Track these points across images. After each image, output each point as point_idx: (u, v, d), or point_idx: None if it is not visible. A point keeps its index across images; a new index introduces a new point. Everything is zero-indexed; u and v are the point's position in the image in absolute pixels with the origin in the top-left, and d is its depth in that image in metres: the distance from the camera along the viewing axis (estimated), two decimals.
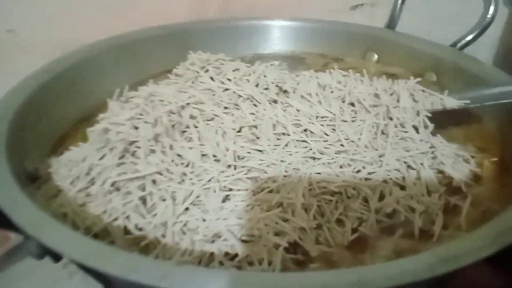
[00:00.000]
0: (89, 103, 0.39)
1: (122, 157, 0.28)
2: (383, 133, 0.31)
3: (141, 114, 0.29)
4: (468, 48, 0.44)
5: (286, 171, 0.27)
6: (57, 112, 0.36)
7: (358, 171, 0.28)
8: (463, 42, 0.44)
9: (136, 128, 0.28)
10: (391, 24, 0.50)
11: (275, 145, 0.29)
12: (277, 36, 0.52)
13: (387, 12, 0.51)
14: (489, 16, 0.42)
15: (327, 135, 0.30)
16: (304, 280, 0.17)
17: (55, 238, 0.19)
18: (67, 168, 0.29)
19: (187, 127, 0.30)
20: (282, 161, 0.27)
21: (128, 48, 0.45)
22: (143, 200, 0.26)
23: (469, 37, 0.43)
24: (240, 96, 0.32)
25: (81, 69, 0.40)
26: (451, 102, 0.34)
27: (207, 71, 0.34)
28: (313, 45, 0.52)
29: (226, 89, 0.33)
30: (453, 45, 0.44)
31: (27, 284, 0.37)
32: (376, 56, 0.50)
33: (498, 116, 0.36)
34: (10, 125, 0.29)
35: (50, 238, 0.19)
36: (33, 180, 0.29)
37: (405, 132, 0.31)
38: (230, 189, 0.26)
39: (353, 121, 0.31)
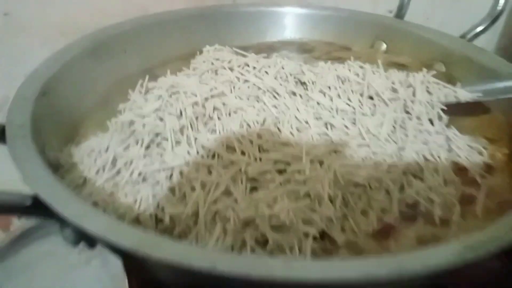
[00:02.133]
0: (99, 91, 0.41)
1: (147, 147, 0.29)
2: (401, 126, 0.33)
3: (165, 107, 0.31)
4: None
5: (311, 163, 0.29)
6: (69, 100, 0.37)
7: (380, 164, 0.30)
8: (472, 33, 0.46)
9: (161, 119, 0.30)
10: (400, 13, 0.52)
11: (298, 139, 0.31)
12: (285, 23, 0.54)
13: None
14: (499, 7, 0.44)
15: (347, 128, 0.32)
16: (346, 267, 0.19)
17: (105, 228, 0.20)
18: (91, 158, 0.30)
19: (210, 118, 0.32)
20: (306, 154, 0.29)
21: (136, 35, 0.45)
22: (172, 190, 0.28)
23: (479, 29, 0.45)
24: (259, 88, 0.34)
25: (90, 56, 0.41)
26: (465, 95, 0.36)
27: (229, 62, 0.36)
28: (320, 33, 0.54)
29: (246, 81, 0.34)
30: (462, 36, 0.46)
31: (44, 269, 0.39)
32: (384, 45, 0.52)
33: (507, 108, 0.38)
34: (31, 117, 0.30)
35: (101, 229, 0.20)
36: (55, 169, 0.31)
37: (421, 125, 0.33)
38: (257, 180, 0.28)
39: (372, 114, 0.33)
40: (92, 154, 0.31)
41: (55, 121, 0.34)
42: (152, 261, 0.22)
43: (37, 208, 0.23)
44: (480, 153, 0.34)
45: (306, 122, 0.32)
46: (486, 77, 0.40)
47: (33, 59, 0.50)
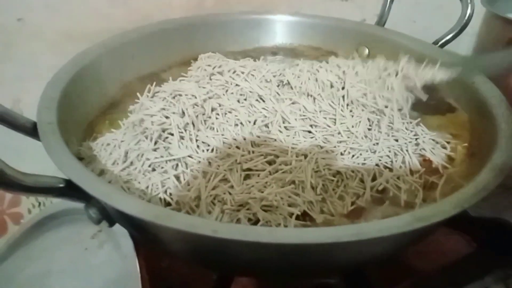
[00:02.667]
0: (111, 93, 0.46)
1: (155, 142, 0.35)
2: (376, 125, 0.38)
3: (169, 107, 0.36)
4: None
5: (296, 156, 0.34)
6: (86, 101, 0.42)
7: (356, 157, 0.36)
8: (443, 40, 0.51)
9: (167, 117, 0.35)
10: (381, 21, 0.57)
11: (286, 135, 0.36)
12: (277, 29, 0.59)
13: (377, 3, 0.58)
14: (466, 18, 0.50)
15: (329, 126, 0.37)
16: (318, 233, 0.24)
17: (129, 205, 0.26)
18: (107, 152, 0.35)
19: (209, 117, 0.37)
20: (292, 148, 0.34)
21: (142, 42, 0.51)
22: (178, 177, 0.33)
23: (449, 36, 0.51)
24: (249, 91, 0.39)
25: (103, 62, 0.46)
26: (444, 74, 0.41)
27: (219, 67, 0.41)
28: (309, 39, 0.59)
29: (237, 85, 0.39)
30: (435, 43, 0.52)
31: (61, 252, 0.44)
32: (367, 50, 0.57)
33: (469, 108, 0.44)
34: (56, 115, 0.35)
35: (125, 205, 0.25)
36: None
37: (393, 124, 0.39)
38: (250, 170, 0.34)
39: (351, 116, 0.38)
40: (108, 148, 0.36)
41: (74, 120, 0.39)
42: (165, 232, 0.27)
43: (69, 190, 0.28)
44: (444, 147, 0.39)
45: (293, 121, 0.37)
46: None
47: (42, 63, 0.55)
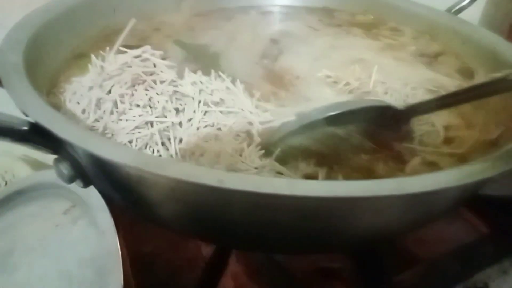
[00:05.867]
0: (85, 45, 0.40)
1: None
2: None
3: None
4: None
5: None
6: (57, 51, 0.36)
7: None
8: (458, 7, 0.47)
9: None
10: None
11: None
12: None
13: None
14: None
15: None
16: (351, 186, 0.20)
17: (111, 150, 0.20)
18: (74, 101, 0.30)
19: None
20: None
21: None
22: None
23: (464, 2, 0.47)
24: None
25: (80, 11, 0.40)
26: None
27: None
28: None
29: None
30: (449, 10, 0.48)
31: (28, 229, 0.38)
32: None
33: None
34: (23, 58, 0.29)
35: (106, 151, 0.20)
36: None
37: None
38: None
39: None
40: (74, 97, 0.30)
41: (43, 71, 0.33)
42: (155, 188, 0.22)
43: (34, 134, 0.23)
44: None
45: None
46: (469, 47, 0.42)
47: (12, 23, 0.49)
